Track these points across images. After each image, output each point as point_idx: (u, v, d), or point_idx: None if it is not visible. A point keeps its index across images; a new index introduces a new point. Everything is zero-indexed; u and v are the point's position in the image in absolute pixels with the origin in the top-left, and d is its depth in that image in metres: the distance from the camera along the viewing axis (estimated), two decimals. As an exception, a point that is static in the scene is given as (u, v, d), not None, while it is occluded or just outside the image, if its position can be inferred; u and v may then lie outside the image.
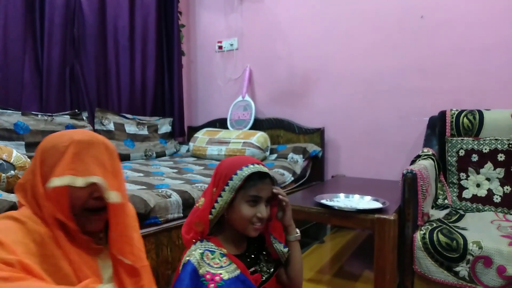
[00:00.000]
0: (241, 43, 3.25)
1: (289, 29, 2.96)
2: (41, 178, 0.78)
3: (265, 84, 3.12)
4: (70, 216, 0.79)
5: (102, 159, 0.81)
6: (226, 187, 1.03)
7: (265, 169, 1.07)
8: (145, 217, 1.45)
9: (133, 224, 0.91)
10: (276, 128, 3.00)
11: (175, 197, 1.63)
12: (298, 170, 2.49)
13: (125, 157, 2.78)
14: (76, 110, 2.62)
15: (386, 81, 2.56)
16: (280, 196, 1.10)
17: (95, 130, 2.68)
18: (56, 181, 0.75)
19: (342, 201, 1.77)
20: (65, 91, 2.62)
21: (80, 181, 0.77)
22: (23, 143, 2.21)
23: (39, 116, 2.37)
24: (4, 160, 1.47)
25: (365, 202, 1.75)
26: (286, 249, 1.14)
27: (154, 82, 3.21)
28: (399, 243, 1.58)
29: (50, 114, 2.44)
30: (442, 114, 2.09)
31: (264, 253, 1.16)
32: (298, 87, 2.94)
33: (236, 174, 1.03)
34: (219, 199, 1.03)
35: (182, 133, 3.44)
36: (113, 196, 0.79)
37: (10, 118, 2.24)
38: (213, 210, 1.04)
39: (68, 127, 2.43)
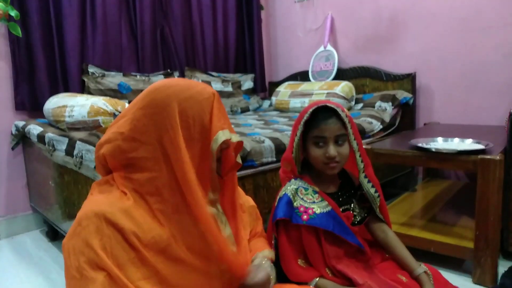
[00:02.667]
0: (321, -10, 3.12)
1: (373, -31, 2.77)
2: (183, 130, 0.73)
3: (348, 31, 3.00)
4: (214, 172, 0.80)
5: (226, 112, 0.83)
6: (300, 126, 1.08)
7: (331, 105, 1.06)
8: (243, 160, 1.55)
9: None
10: (361, 77, 2.89)
11: (268, 142, 1.70)
12: (387, 118, 2.40)
13: (213, 113, 2.93)
14: (169, 70, 2.80)
15: (487, 17, 2.30)
16: None
17: (185, 88, 2.85)
18: (222, 136, 0.76)
19: (440, 144, 1.69)
20: (158, 53, 2.80)
21: (234, 137, 0.79)
22: (127, 101, 2.45)
23: (138, 76, 2.59)
24: (119, 112, 1.66)
25: (466, 144, 1.66)
26: (377, 194, 1.14)
27: (236, 39, 3.27)
28: (504, 187, 1.49)
29: (147, 74, 2.65)
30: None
31: (357, 197, 1.17)
32: (385, 31, 2.77)
33: (307, 113, 1.07)
34: (295, 138, 1.10)
35: (264, 88, 3.50)
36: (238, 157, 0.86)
37: (114, 79, 2.48)
38: (293, 149, 1.11)
39: (163, 85, 2.61)
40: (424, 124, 2.59)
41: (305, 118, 1.07)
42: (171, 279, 0.71)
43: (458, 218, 1.85)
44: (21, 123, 2.12)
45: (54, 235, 2.15)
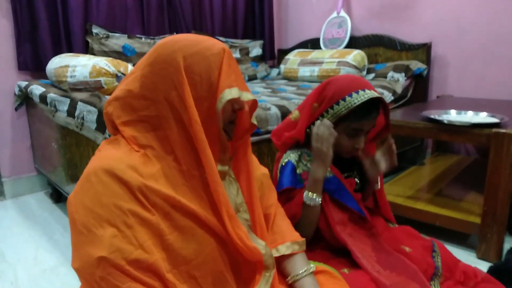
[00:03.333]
0: (336, -48, 2.96)
1: None
2: (190, 87, 0.68)
3: (363, -3, 2.86)
4: (222, 132, 0.74)
5: (239, 70, 0.76)
6: (330, 110, 0.99)
7: (375, 95, 0.96)
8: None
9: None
10: (374, 45, 2.78)
11: (274, 110, 1.66)
12: (398, 90, 2.32)
13: (220, 79, 2.86)
14: (175, 33, 2.72)
15: (513, -18, 2.16)
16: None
17: (192, 53, 2.77)
18: (228, 94, 0.69)
19: (453, 116, 1.63)
20: (164, 14, 2.71)
21: (245, 95, 0.72)
22: (131, 64, 2.38)
23: (143, 39, 2.51)
24: (122, 73, 1.61)
25: (480, 118, 1.59)
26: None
27: (245, 2, 3.15)
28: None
29: (152, 37, 2.57)
30: None
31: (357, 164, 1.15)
32: (401, -2, 2.64)
33: (344, 100, 0.97)
34: (320, 118, 1.01)
35: (273, 56, 3.40)
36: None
37: (118, 41, 2.41)
38: (312, 126, 1.02)
39: (169, 49, 2.54)
40: (437, 96, 2.51)
41: (350, 106, 0.95)
42: (175, 243, 0.69)
43: (465, 193, 1.81)
44: (23, 84, 2.08)
45: (58, 197, 2.16)
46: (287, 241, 0.87)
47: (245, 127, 0.81)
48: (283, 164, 1.07)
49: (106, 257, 0.62)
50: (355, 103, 0.95)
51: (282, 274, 0.86)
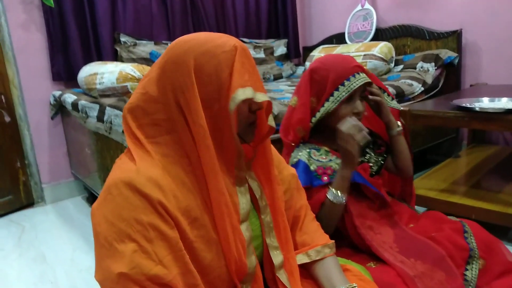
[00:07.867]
0: None
1: None
2: (199, 87, 0.67)
3: (388, -13, 2.78)
4: (236, 135, 0.70)
5: (256, 69, 0.72)
6: (331, 98, 1.00)
7: (369, 80, 1.03)
8: (271, 123, 1.50)
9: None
10: (401, 36, 2.70)
11: (298, 106, 1.64)
12: (429, 80, 2.24)
13: (245, 80, 2.88)
14: (198, 36, 2.76)
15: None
16: (370, 96, 1.06)
17: (216, 55, 2.80)
18: (242, 94, 0.66)
19: (486, 104, 1.55)
20: (188, 19, 2.76)
21: (259, 96, 0.68)
22: (158, 69, 2.44)
23: (169, 44, 2.57)
24: (146, 77, 1.65)
25: (516, 104, 1.50)
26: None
27: (267, 1, 3.15)
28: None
29: (177, 41, 2.62)
30: None
31: (371, 146, 1.14)
32: (428, -15, 2.55)
33: (343, 85, 1.00)
34: (322, 108, 1.02)
35: (298, 54, 3.38)
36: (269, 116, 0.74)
37: (145, 48, 2.48)
38: (313, 118, 1.04)
39: (193, 52, 2.59)
40: (470, 85, 2.39)
41: (351, 89, 1.00)
42: (192, 258, 0.67)
43: (504, 185, 1.72)
44: (57, 93, 2.19)
45: (94, 200, 2.23)
46: (318, 244, 0.85)
47: (265, 129, 0.77)
48: (293, 163, 1.05)
49: (127, 273, 0.61)
50: (355, 86, 1.00)
51: (312, 277, 0.84)
